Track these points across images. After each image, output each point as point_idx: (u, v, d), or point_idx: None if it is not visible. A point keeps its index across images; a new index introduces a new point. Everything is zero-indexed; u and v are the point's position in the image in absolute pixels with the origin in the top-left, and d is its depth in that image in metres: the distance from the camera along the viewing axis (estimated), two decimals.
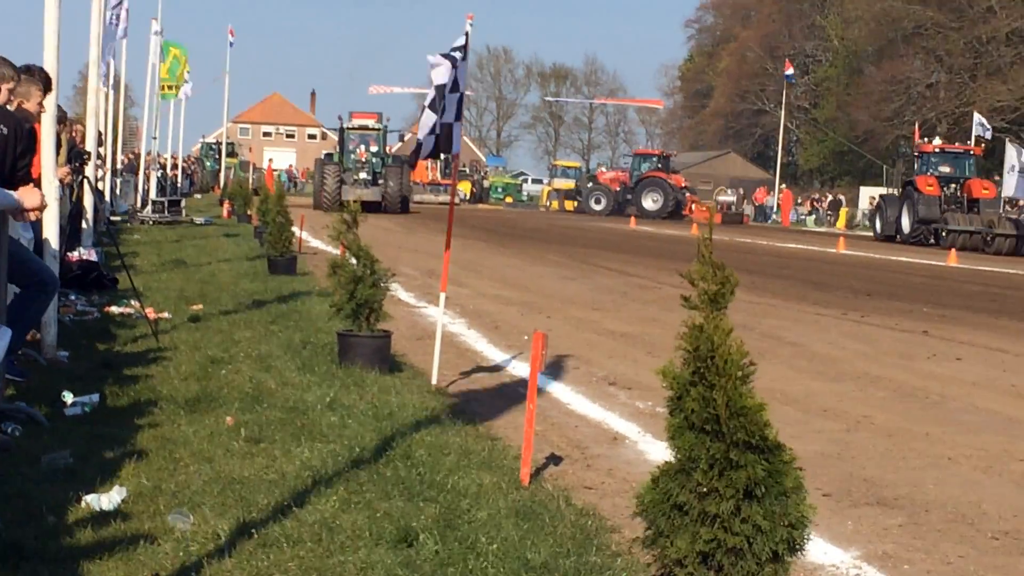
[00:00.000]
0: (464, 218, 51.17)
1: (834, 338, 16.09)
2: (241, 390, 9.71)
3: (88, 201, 18.56)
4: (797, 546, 4.77)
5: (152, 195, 40.35)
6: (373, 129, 57.47)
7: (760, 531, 4.64)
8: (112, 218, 28.73)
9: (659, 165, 73.32)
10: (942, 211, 48.75)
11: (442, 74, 10.17)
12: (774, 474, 4.67)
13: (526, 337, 14.39)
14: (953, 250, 41.17)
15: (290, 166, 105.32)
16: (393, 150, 63.89)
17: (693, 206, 68.10)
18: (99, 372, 10.24)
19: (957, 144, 54.67)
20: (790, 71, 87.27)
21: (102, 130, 23.77)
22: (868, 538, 6.91)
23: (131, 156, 49.42)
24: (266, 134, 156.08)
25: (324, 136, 60.95)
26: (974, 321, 18.93)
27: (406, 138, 72.17)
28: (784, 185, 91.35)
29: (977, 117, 67.97)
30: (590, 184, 74.89)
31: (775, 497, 4.68)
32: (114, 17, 24.28)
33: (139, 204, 39.24)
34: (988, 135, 61.35)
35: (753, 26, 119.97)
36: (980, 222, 47.14)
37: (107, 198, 29.78)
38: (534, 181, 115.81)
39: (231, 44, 63.13)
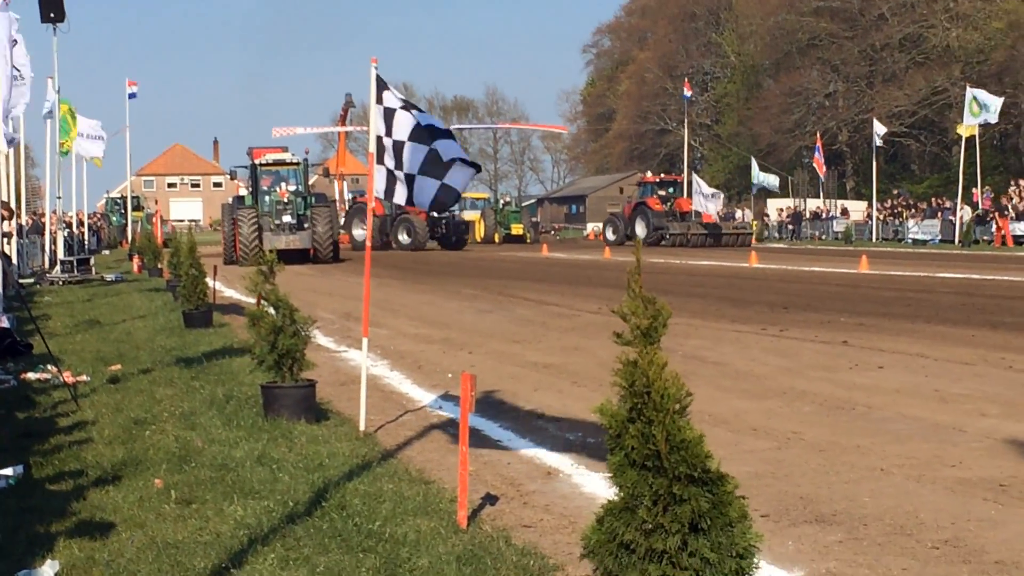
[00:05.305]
0: (377, 257, 50.57)
1: (756, 354, 16.15)
2: (168, 450, 9.58)
3: None
4: (746, 575, 4.75)
5: (60, 255, 39.90)
6: (291, 164, 48.78)
7: (708, 564, 4.61)
8: (21, 281, 28.36)
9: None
10: (667, 220, 67.99)
11: (405, 125, 10.27)
12: (719, 505, 4.65)
13: (450, 375, 14.34)
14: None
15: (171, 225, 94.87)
16: (315, 188, 56.47)
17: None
18: (21, 442, 10.08)
19: (672, 175, 78.60)
20: (688, 92, 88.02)
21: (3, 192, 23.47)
22: (811, 557, 6.91)
23: (34, 216, 48.88)
24: (171, 185, 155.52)
25: (234, 177, 56.82)
26: (892, 328, 19.09)
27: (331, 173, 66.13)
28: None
29: (877, 125, 69.30)
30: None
31: (721, 528, 4.66)
32: (16, 73, 23.89)
33: (47, 265, 38.79)
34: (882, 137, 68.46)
35: (650, 47, 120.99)
36: (687, 227, 66.92)
37: (14, 261, 29.38)
38: None
39: (133, 96, 60.92)
